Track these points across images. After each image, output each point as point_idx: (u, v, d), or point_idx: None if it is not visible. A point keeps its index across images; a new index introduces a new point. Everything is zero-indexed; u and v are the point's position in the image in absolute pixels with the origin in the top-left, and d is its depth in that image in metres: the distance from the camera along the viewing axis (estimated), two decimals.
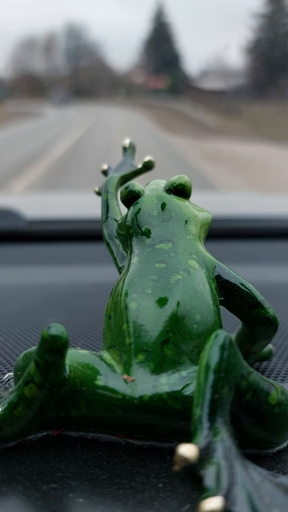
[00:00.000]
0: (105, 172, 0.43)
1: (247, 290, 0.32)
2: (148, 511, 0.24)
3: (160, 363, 0.28)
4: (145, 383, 0.27)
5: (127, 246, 0.35)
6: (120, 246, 0.36)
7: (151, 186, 0.36)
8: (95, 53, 48.13)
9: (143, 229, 0.33)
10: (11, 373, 0.34)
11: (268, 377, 0.37)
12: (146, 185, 0.37)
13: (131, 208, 0.35)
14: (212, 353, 0.24)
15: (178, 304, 0.29)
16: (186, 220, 0.34)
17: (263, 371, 0.38)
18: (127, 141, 0.45)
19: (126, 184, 0.36)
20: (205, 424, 0.22)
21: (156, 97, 29.52)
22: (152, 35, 40.38)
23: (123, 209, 0.37)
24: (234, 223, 0.83)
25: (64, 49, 46.64)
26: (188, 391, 0.27)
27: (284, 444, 0.29)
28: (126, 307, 0.30)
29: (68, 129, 10.52)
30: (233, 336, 0.36)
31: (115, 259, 0.36)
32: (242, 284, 0.32)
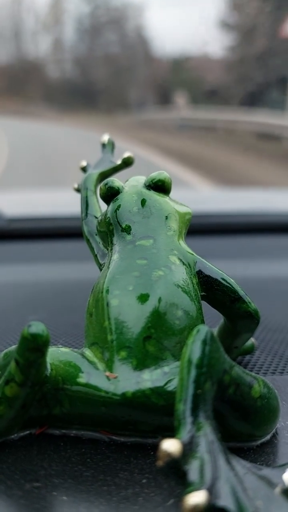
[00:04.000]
0: (84, 169, 0.43)
1: (228, 285, 0.32)
2: (132, 507, 0.24)
3: (143, 359, 0.28)
4: (127, 380, 0.27)
5: (108, 243, 0.34)
6: (101, 243, 0.36)
7: (130, 182, 0.36)
8: (127, 20, 24.44)
9: (123, 226, 0.33)
10: None
11: (251, 371, 0.37)
12: (126, 181, 0.37)
13: (111, 204, 0.35)
14: (194, 348, 0.24)
15: (159, 300, 0.29)
16: (166, 216, 0.34)
17: (246, 365, 0.38)
18: (105, 137, 0.45)
19: (105, 181, 0.36)
20: (188, 419, 0.22)
21: None
22: None
23: (103, 206, 0.37)
24: (214, 218, 0.84)
25: (73, 14, 25.70)
26: (171, 387, 0.27)
27: (268, 437, 0.29)
28: (107, 304, 0.30)
29: None
30: (215, 331, 0.36)
31: (95, 256, 0.36)
32: (223, 279, 0.32)
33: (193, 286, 0.31)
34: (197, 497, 0.19)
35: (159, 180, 0.35)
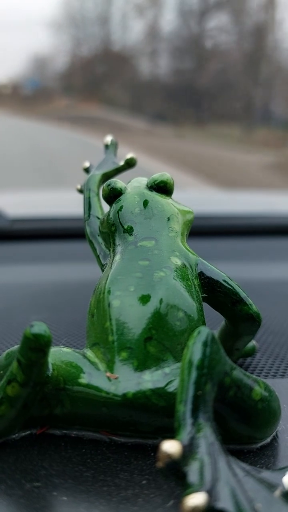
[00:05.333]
0: (87, 170, 0.43)
1: (230, 286, 0.32)
2: (132, 508, 0.24)
3: (144, 360, 0.28)
4: (128, 380, 0.27)
5: (110, 243, 0.34)
6: (103, 243, 0.36)
7: (133, 183, 0.36)
8: None
9: (125, 227, 0.33)
10: None
11: (252, 373, 0.37)
12: (128, 183, 0.37)
13: (113, 205, 0.35)
14: (194, 350, 0.24)
15: (161, 301, 0.29)
16: (168, 218, 0.34)
17: (247, 367, 0.38)
18: (108, 139, 0.45)
19: (108, 182, 0.36)
20: (188, 421, 0.22)
21: None
22: None
23: (106, 207, 0.37)
24: (216, 220, 0.84)
25: None
26: (171, 388, 0.27)
27: (268, 440, 0.29)
28: (109, 305, 0.30)
29: None
30: (216, 332, 0.36)
31: (97, 257, 0.36)
32: (225, 281, 0.32)
33: (195, 287, 0.31)
34: (196, 499, 0.19)
35: (161, 182, 0.35)
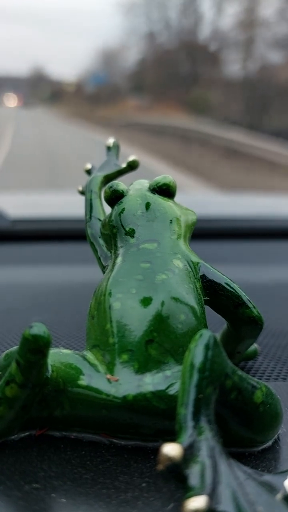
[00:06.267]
0: (88, 171, 0.43)
1: (232, 289, 0.32)
2: (131, 511, 0.24)
3: (145, 363, 0.28)
4: (129, 383, 0.27)
5: (111, 245, 0.34)
6: (104, 245, 0.36)
7: (135, 185, 0.36)
8: None
9: (127, 229, 0.33)
10: None
11: (254, 376, 0.37)
12: (130, 185, 0.37)
13: (115, 207, 0.35)
14: (196, 353, 0.24)
15: (162, 303, 0.29)
16: (170, 220, 0.34)
17: (249, 371, 0.38)
18: (110, 140, 0.45)
19: (110, 184, 0.36)
20: (190, 423, 0.22)
21: None
22: None
23: (107, 209, 0.37)
24: (218, 223, 0.84)
25: None
26: (172, 391, 0.27)
27: (269, 443, 0.29)
28: (109, 307, 0.30)
29: None
30: (218, 335, 0.36)
31: (99, 259, 0.36)
32: (227, 284, 0.32)
33: (197, 290, 0.31)
34: (197, 502, 0.19)
35: (164, 184, 0.35)
